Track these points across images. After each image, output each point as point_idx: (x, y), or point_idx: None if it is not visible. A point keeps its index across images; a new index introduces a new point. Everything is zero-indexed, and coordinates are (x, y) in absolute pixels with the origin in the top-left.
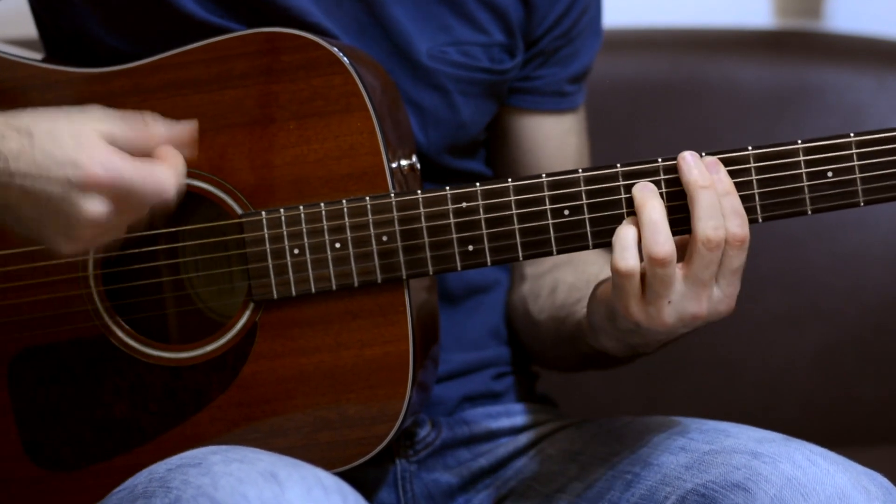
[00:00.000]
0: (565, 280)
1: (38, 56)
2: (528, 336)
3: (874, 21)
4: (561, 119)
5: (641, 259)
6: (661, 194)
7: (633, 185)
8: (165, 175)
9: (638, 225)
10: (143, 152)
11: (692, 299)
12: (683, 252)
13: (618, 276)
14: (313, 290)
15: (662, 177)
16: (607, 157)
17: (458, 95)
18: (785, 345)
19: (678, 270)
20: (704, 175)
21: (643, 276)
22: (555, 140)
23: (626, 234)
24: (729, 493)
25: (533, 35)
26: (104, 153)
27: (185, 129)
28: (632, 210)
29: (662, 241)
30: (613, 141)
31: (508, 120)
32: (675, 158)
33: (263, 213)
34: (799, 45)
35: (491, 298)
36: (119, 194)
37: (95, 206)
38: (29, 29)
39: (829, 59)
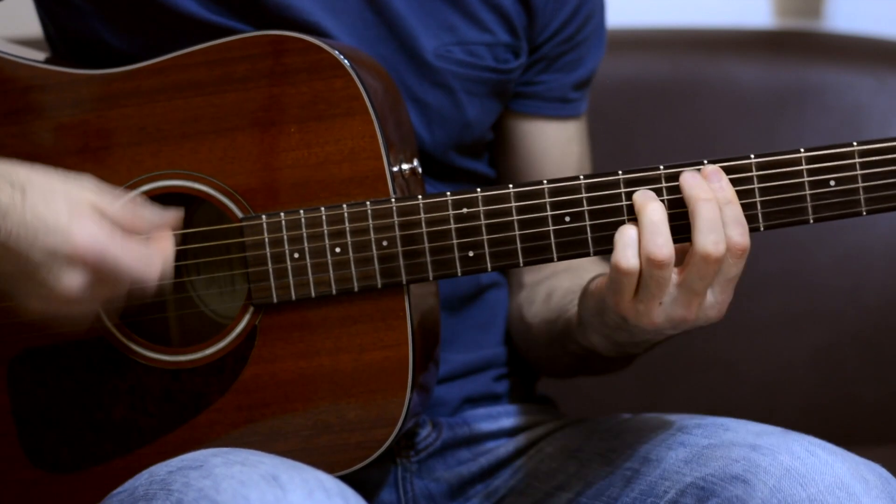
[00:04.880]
0: (561, 286)
1: (41, 56)
2: (522, 341)
3: (874, 21)
4: (564, 126)
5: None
6: (663, 202)
7: (634, 192)
8: (151, 259)
9: (639, 226)
10: (130, 231)
11: (683, 305)
12: (682, 256)
13: (617, 272)
14: (313, 294)
15: (664, 184)
16: (607, 156)
17: (464, 94)
18: (785, 345)
19: (674, 275)
20: (706, 189)
21: (640, 275)
22: (557, 146)
23: (628, 232)
24: (728, 486)
25: (536, 40)
26: (94, 227)
27: (173, 217)
28: (633, 217)
29: (662, 243)
30: (613, 141)
31: (511, 125)
32: (677, 166)
33: (264, 216)
34: (799, 45)
35: (492, 299)
36: (101, 271)
37: (74, 280)
38: (29, 28)
39: (829, 59)
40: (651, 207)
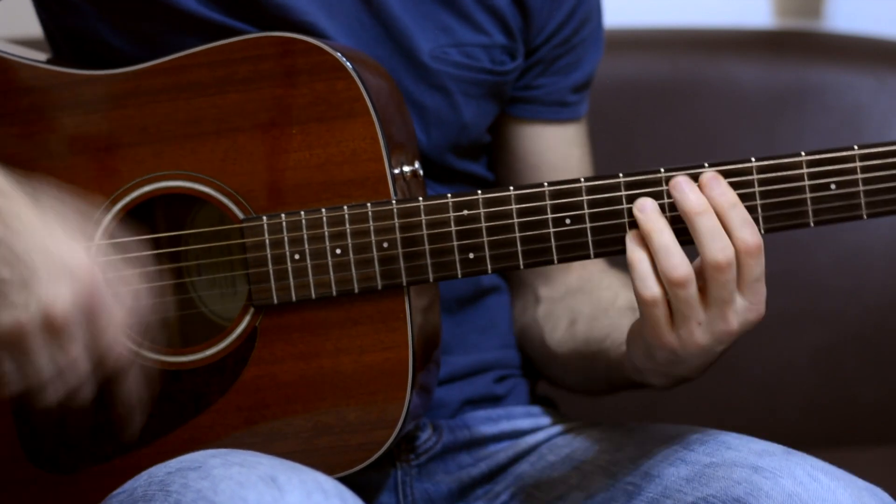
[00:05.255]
0: (582, 311)
1: (42, 56)
2: (545, 366)
3: (874, 21)
4: (563, 129)
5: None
6: (663, 205)
7: (634, 195)
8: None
9: (648, 250)
10: None
11: (719, 318)
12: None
13: (644, 305)
14: (314, 295)
15: (665, 187)
16: (607, 157)
17: (460, 96)
18: (785, 345)
19: (700, 293)
20: (699, 200)
21: (667, 301)
22: (557, 150)
23: (640, 263)
24: None
25: (533, 42)
26: (91, 265)
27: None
28: (632, 220)
29: (677, 263)
30: (613, 141)
31: (510, 129)
32: (677, 169)
33: (264, 217)
34: (799, 45)
35: (493, 301)
36: (90, 301)
37: (67, 298)
38: (29, 28)
39: (829, 59)
40: (658, 229)
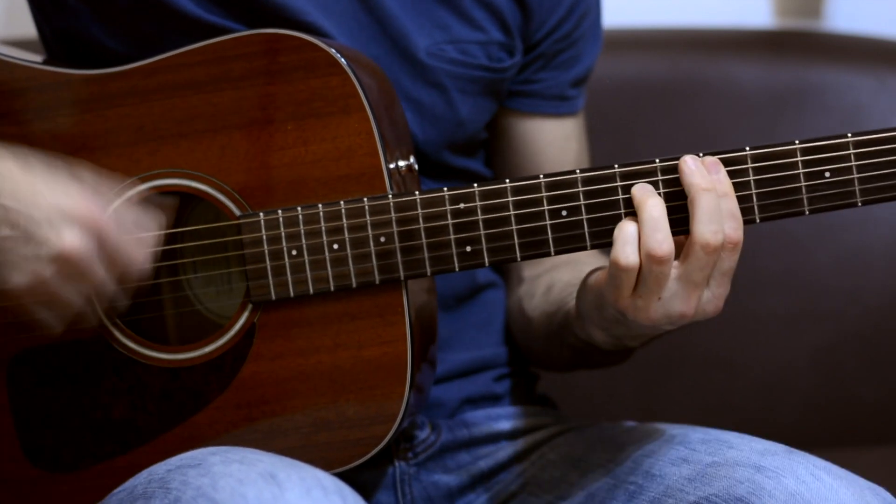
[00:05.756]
0: (561, 279)
1: (38, 56)
2: (522, 334)
3: (874, 21)
4: (561, 123)
5: None
6: (659, 195)
7: (630, 185)
8: (140, 246)
9: (638, 222)
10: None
11: (682, 299)
12: (680, 250)
13: (616, 268)
14: (311, 291)
15: (660, 177)
16: (607, 157)
17: (457, 93)
18: (785, 345)
19: (674, 269)
20: (706, 178)
21: (639, 271)
22: (555, 144)
23: (627, 228)
24: None
25: (533, 38)
26: (99, 205)
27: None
28: (629, 210)
29: (661, 238)
30: (613, 141)
31: (508, 123)
32: (673, 159)
33: (261, 214)
34: (799, 45)
35: (491, 297)
36: (100, 238)
37: (76, 237)
38: (28, 29)
39: (829, 59)
40: (651, 203)
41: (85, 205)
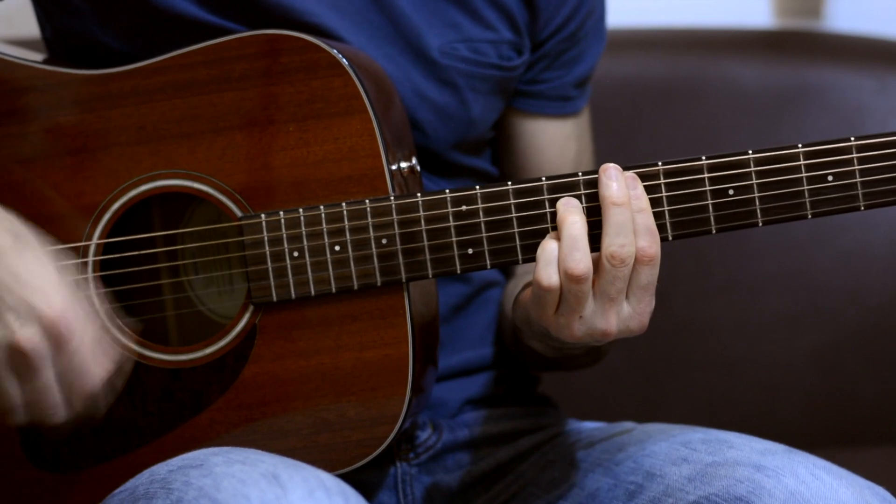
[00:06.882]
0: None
1: (39, 56)
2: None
3: (874, 21)
4: (562, 124)
5: None
6: (583, 209)
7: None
8: (104, 364)
9: (558, 240)
10: None
11: (601, 316)
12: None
13: (539, 289)
14: (313, 292)
15: (663, 181)
16: (607, 157)
17: (469, 92)
18: (785, 345)
19: (592, 287)
20: (622, 192)
21: (560, 290)
22: (555, 145)
23: (549, 249)
24: None
25: (538, 37)
26: (73, 302)
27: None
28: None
29: (579, 258)
30: (614, 141)
31: (512, 122)
32: (675, 162)
33: (263, 215)
34: (799, 45)
35: (492, 297)
36: (58, 346)
37: (34, 336)
38: (29, 29)
39: (829, 59)
40: (570, 221)
41: (58, 308)
